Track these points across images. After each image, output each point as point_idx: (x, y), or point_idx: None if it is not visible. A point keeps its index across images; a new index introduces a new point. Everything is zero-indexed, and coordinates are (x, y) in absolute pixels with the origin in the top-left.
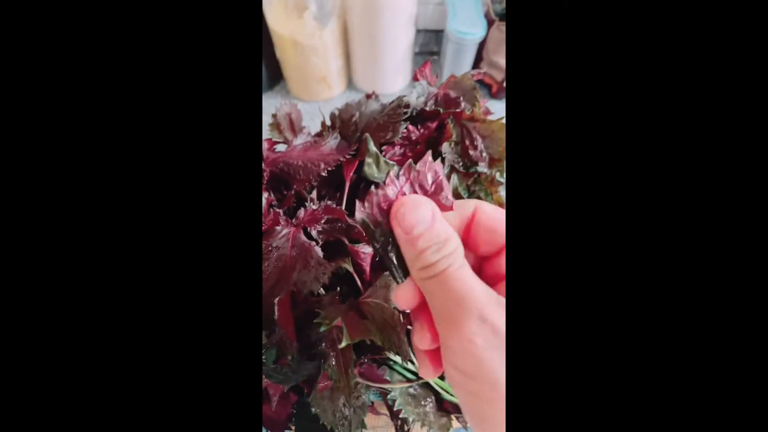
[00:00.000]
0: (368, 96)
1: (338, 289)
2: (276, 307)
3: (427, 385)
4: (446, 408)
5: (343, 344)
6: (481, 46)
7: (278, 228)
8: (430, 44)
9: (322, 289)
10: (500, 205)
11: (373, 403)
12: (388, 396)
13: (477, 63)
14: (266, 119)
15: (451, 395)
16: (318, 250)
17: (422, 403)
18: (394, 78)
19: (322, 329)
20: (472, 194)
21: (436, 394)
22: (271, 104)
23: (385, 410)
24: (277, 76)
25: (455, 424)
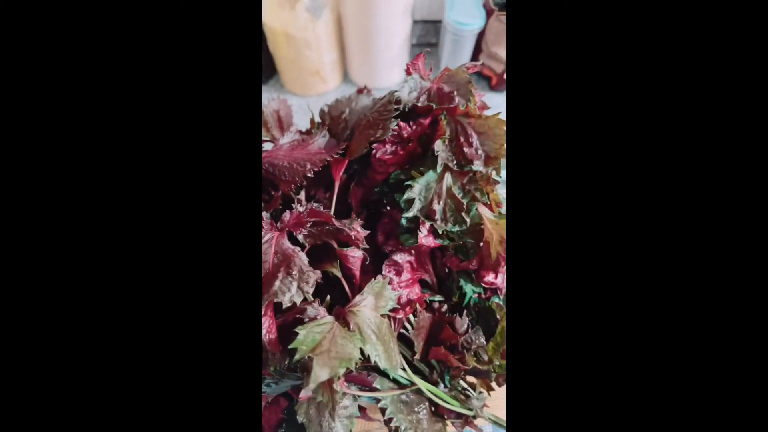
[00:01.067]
0: (360, 91)
1: (328, 297)
2: None
3: (419, 391)
4: (441, 413)
5: (310, 387)
6: (480, 36)
7: (261, 233)
8: (427, 36)
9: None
10: (497, 204)
11: (365, 409)
12: (379, 404)
13: (476, 54)
14: None
15: (446, 401)
16: (303, 257)
17: (415, 409)
18: (390, 71)
19: (297, 358)
20: (466, 194)
21: (430, 399)
22: (264, 99)
23: (378, 415)
24: (270, 71)
25: (450, 429)
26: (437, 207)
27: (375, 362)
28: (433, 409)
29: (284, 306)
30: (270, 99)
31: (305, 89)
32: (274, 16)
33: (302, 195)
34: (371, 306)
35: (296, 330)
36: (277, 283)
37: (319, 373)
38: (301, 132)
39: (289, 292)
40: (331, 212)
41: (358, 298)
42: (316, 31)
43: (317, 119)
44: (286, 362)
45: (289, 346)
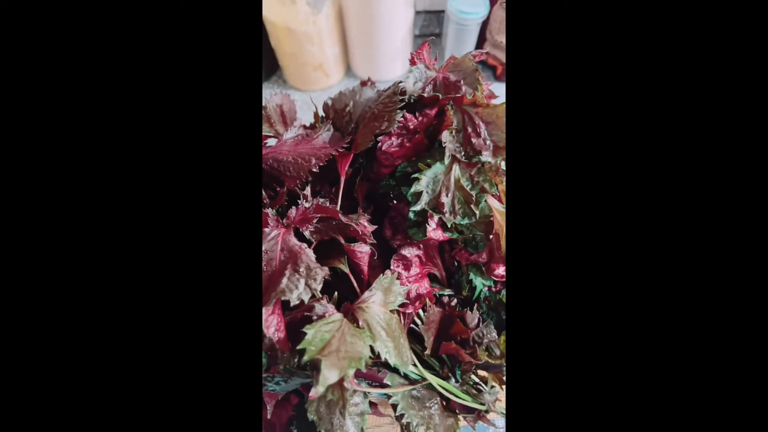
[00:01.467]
0: (363, 83)
1: (335, 294)
2: (264, 318)
3: (431, 387)
4: (452, 407)
5: (319, 390)
6: (484, 25)
7: (267, 230)
8: (430, 26)
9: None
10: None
11: (376, 404)
12: (391, 400)
13: (480, 44)
14: None
15: (458, 396)
16: (310, 254)
17: (426, 404)
18: (393, 63)
19: (305, 359)
20: (475, 185)
21: (441, 394)
22: (267, 95)
23: (389, 410)
24: (272, 66)
25: (462, 423)
26: (445, 200)
27: (385, 359)
28: (444, 403)
29: (292, 304)
30: (272, 94)
31: (308, 84)
32: (275, 11)
33: (308, 190)
34: (380, 302)
35: (304, 330)
36: (285, 280)
37: (328, 375)
38: (305, 126)
39: (296, 290)
40: (338, 207)
41: (366, 294)
42: (317, 25)
43: (321, 113)
44: (295, 360)
45: (298, 347)
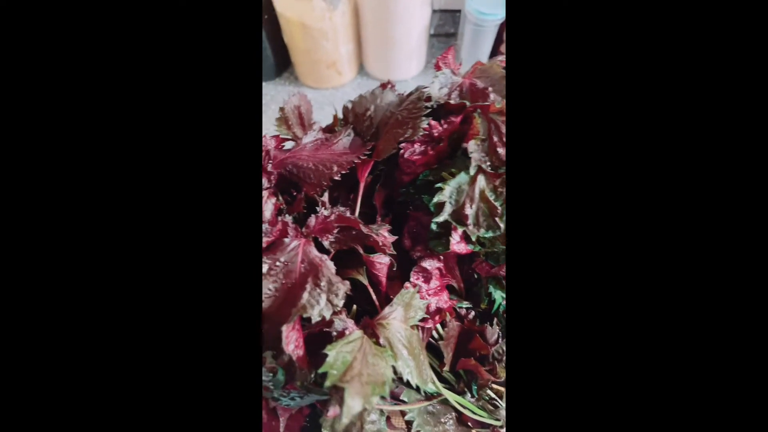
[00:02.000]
0: (383, 86)
1: (354, 307)
2: (284, 335)
3: (446, 401)
4: (465, 420)
5: (344, 422)
6: (501, 27)
7: (287, 240)
8: (445, 25)
9: None
10: None
11: (389, 418)
12: (406, 417)
13: (497, 45)
14: (274, 111)
15: (473, 412)
16: (331, 267)
17: (441, 420)
18: (408, 63)
19: (327, 385)
20: (499, 197)
21: (456, 409)
22: (279, 93)
23: (401, 422)
24: (285, 63)
25: None
26: (469, 211)
27: (407, 380)
28: (456, 416)
29: (313, 321)
30: (290, 95)
31: (320, 82)
32: (290, 7)
33: (326, 196)
34: (401, 318)
35: (325, 351)
36: (306, 295)
37: (352, 404)
38: (323, 130)
39: (318, 306)
40: (356, 215)
41: (387, 309)
42: (333, 22)
43: (340, 116)
44: (312, 376)
45: (319, 370)
